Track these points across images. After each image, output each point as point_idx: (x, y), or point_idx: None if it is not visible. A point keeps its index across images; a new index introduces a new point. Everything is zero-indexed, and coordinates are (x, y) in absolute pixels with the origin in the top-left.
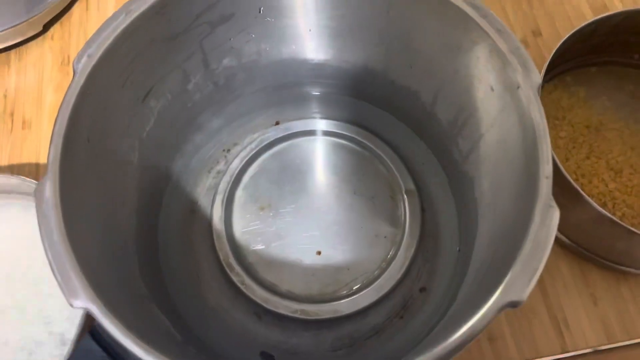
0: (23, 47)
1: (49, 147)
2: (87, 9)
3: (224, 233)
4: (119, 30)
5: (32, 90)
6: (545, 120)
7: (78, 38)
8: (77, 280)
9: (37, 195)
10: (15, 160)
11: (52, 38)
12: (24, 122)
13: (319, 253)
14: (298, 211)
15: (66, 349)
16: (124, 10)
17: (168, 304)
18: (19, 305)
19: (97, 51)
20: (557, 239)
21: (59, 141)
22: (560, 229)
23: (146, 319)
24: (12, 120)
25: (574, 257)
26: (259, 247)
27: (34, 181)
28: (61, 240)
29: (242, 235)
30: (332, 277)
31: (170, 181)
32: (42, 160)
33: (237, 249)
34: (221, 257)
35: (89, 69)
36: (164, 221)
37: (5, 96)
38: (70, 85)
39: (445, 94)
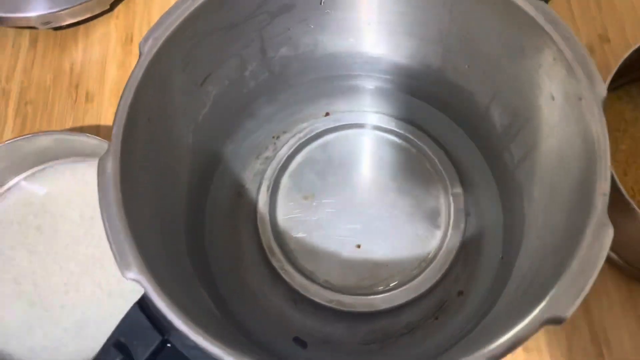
0: (90, 24)
1: (113, 123)
2: None
3: (267, 218)
4: (184, 16)
5: (96, 66)
6: (607, 136)
7: (142, 19)
8: (130, 254)
9: (100, 169)
10: (78, 127)
11: (117, 17)
12: (87, 95)
13: (358, 246)
14: (341, 203)
15: None
16: None
17: (211, 283)
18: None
19: (163, 34)
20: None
21: (122, 118)
22: (611, 246)
23: (190, 296)
24: (77, 93)
25: (623, 275)
26: (300, 235)
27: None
28: (118, 215)
29: (285, 222)
30: (369, 272)
31: (220, 164)
32: (102, 133)
33: (279, 235)
34: (263, 242)
35: (154, 51)
36: (211, 202)
37: (71, 70)
38: (136, 65)
39: (502, 97)
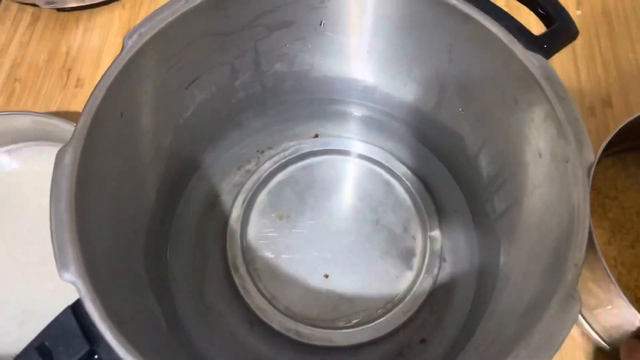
0: (95, 10)
1: (81, 113)
2: None
3: (238, 234)
4: (175, 16)
5: (93, 52)
6: (588, 205)
7: (147, 11)
8: (71, 253)
9: (57, 160)
10: (62, 112)
11: (123, 7)
12: (78, 80)
13: (326, 276)
14: (315, 229)
15: None
16: None
17: (164, 292)
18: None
19: (150, 31)
20: (579, 326)
21: (91, 110)
22: (592, 324)
23: (136, 306)
24: (68, 77)
25: (595, 349)
26: (269, 255)
27: None
28: (67, 210)
29: (255, 240)
30: (333, 305)
31: (197, 171)
32: None
33: (246, 252)
34: (229, 256)
35: (137, 46)
36: (182, 210)
37: (67, 53)
38: (116, 58)
39: (491, 146)
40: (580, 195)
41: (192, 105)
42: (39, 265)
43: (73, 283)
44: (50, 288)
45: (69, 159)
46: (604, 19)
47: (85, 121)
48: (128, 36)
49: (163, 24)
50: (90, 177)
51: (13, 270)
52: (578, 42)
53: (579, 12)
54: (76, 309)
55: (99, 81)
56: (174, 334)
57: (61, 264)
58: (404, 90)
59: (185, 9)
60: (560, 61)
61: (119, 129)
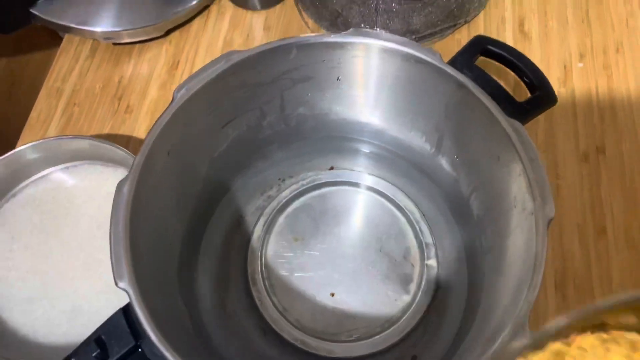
0: (145, 45)
1: (138, 153)
2: (205, 25)
3: (258, 251)
4: (216, 74)
5: (142, 82)
6: (544, 253)
7: (190, 48)
8: (125, 267)
9: (117, 189)
10: (112, 134)
11: (169, 42)
12: (127, 107)
13: (332, 294)
14: (326, 251)
15: None
16: (225, 57)
17: (192, 299)
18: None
19: (195, 86)
20: None
21: (145, 151)
22: None
23: (170, 311)
24: (119, 104)
25: None
26: (283, 272)
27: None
28: (123, 231)
29: (272, 258)
30: (337, 320)
31: (226, 194)
32: (131, 144)
33: (264, 269)
34: (249, 271)
35: (184, 99)
36: (211, 228)
37: (119, 82)
38: (166, 108)
39: (480, 192)
40: (540, 244)
41: (226, 141)
42: (87, 268)
43: (125, 290)
44: (96, 289)
45: (126, 189)
46: (604, 72)
47: (140, 159)
48: (177, 90)
49: (206, 81)
50: (140, 203)
51: (67, 271)
52: (578, 90)
53: (580, 65)
54: (126, 311)
55: (153, 126)
56: (199, 335)
57: (117, 274)
58: (409, 135)
59: (224, 68)
60: (561, 106)
61: (165, 164)
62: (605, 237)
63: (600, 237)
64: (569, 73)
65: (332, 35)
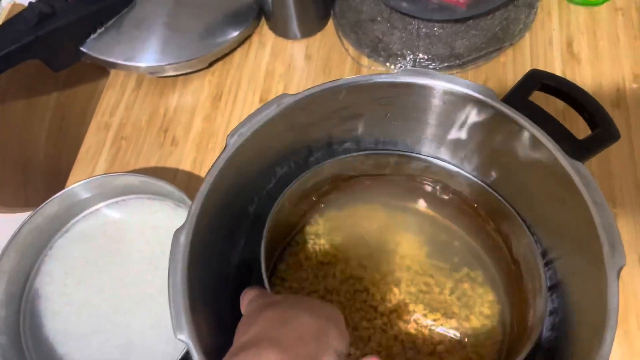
0: (189, 76)
1: (193, 200)
2: (246, 55)
3: None
4: (268, 118)
5: (186, 114)
6: (617, 306)
7: (233, 79)
8: (185, 319)
9: (174, 239)
10: (159, 167)
11: (212, 74)
12: (173, 140)
13: None
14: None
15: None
16: (276, 102)
17: None
18: (155, 290)
19: (248, 131)
20: None
21: (200, 198)
22: None
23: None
24: (165, 136)
25: None
26: None
27: (182, 191)
28: (181, 282)
29: None
30: None
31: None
32: (178, 177)
33: None
34: None
35: (237, 145)
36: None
37: (164, 114)
38: (220, 154)
39: (543, 230)
40: (611, 296)
41: (274, 179)
42: (139, 303)
43: (186, 343)
44: (147, 324)
45: (183, 238)
46: None
47: (196, 207)
48: (230, 135)
49: (258, 125)
50: (196, 249)
51: (119, 306)
52: (633, 113)
53: (635, 86)
54: None
55: (208, 173)
56: None
57: (177, 327)
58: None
59: (276, 111)
60: (616, 149)
61: (218, 207)
62: None
63: None
64: (622, 95)
65: (382, 76)
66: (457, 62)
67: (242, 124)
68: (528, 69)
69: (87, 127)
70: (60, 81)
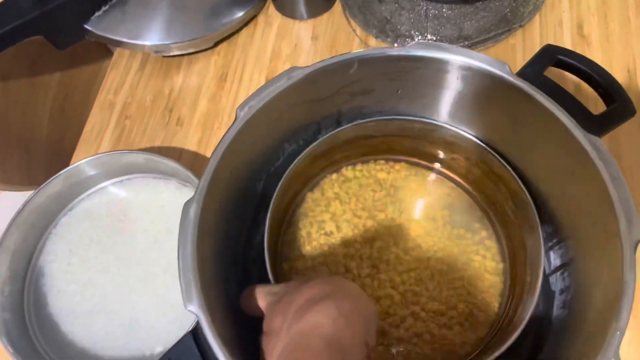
0: (193, 56)
1: (202, 174)
2: (252, 35)
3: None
4: (278, 91)
5: (191, 94)
6: (634, 280)
7: (239, 59)
8: (194, 290)
9: (184, 211)
10: (164, 147)
11: (218, 54)
12: (178, 119)
13: None
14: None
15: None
16: (286, 74)
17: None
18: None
19: (258, 104)
20: None
21: (210, 173)
22: None
23: (233, 332)
24: (170, 116)
25: None
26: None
27: (188, 169)
28: (191, 254)
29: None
30: None
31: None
32: (184, 157)
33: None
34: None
35: (247, 117)
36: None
37: (169, 94)
38: (230, 128)
39: (551, 205)
40: (627, 269)
41: (282, 156)
42: (144, 282)
43: (196, 314)
44: (152, 303)
45: (193, 211)
46: None
47: (205, 180)
48: (240, 108)
49: (269, 98)
50: (206, 223)
51: (124, 285)
52: None
53: None
54: (195, 333)
55: (217, 146)
56: None
57: (187, 298)
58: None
59: (286, 85)
60: (625, 129)
61: (227, 182)
62: None
63: None
64: (633, 78)
65: (395, 49)
66: (466, 43)
67: (252, 97)
68: (536, 49)
69: (90, 108)
70: (64, 61)
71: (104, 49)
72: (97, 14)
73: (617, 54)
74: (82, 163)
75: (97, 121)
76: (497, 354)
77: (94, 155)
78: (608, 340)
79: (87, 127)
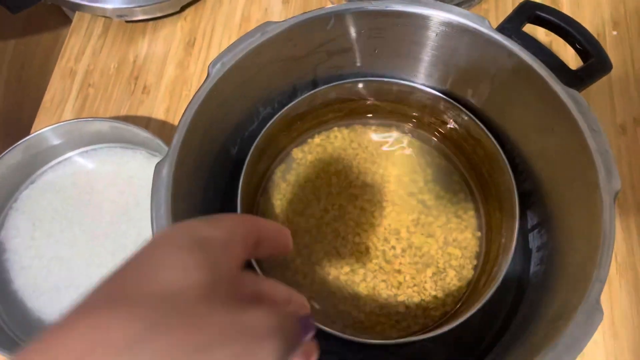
0: (159, 22)
1: (174, 132)
2: (220, 0)
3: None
4: (252, 47)
5: (157, 61)
6: (614, 230)
7: (207, 24)
8: None
9: (156, 172)
10: (131, 116)
11: (185, 19)
12: (144, 87)
13: None
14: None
15: None
16: (260, 29)
17: None
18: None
19: (231, 60)
20: None
21: (182, 131)
22: None
23: None
24: (135, 84)
25: (616, 350)
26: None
27: (159, 139)
28: (165, 216)
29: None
30: None
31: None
32: (151, 125)
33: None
34: None
35: (220, 74)
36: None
37: (134, 61)
38: (202, 84)
39: (532, 164)
40: (607, 220)
41: (257, 120)
42: (113, 255)
43: None
44: None
45: (165, 171)
46: (638, 40)
47: (177, 138)
48: (212, 64)
49: (242, 54)
50: (179, 185)
51: (92, 258)
52: (613, 61)
53: (615, 33)
54: None
55: (190, 103)
56: None
57: None
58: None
59: (260, 41)
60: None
61: (200, 143)
62: None
63: None
64: (602, 42)
65: (373, 4)
66: None
67: (225, 53)
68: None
69: (50, 76)
70: (19, 27)
71: (63, 15)
72: None
73: (587, 18)
74: (44, 131)
75: (57, 90)
76: (472, 311)
77: (56, 123)
78: (589, 290)
79: (47, 96)
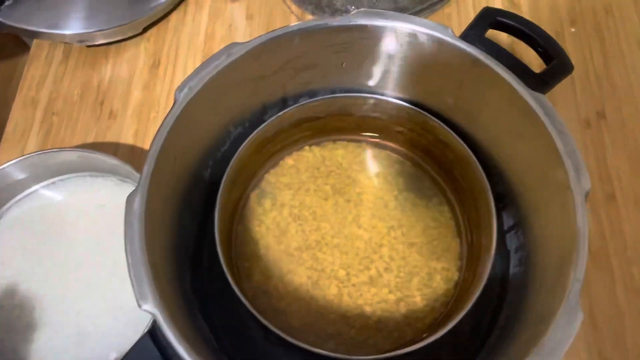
0: (122, 44)
1: (144, 162)
2: (183, 18)
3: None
4: (218, 69)
5: (123, 85)
6: (587, 228)
7: (170, 44)
8: (148, 287)
9: (127, 204)
10: (98, 143)
11: (148, 40)
12: (110, 112)
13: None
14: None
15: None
16: (225, 51)
17: (208, 313)
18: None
19: (198, 84)
20: None
21: (152, 161)
22: None
23: (193, 326)
24: (101, 109)
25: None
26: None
27: (129, 165)
28: (140, 248)
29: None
30: None
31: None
32: (120, 151)
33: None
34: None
35: (188, 99)
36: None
37: (98, 86)
38: (169, 111)
39: (504, 168)
40: (580, 219)
41: (229, 140)
42: (89, 287)
43: (152, 313)
44: (100, 308)
45: (137, 203)
46: (596, 35)
47: (148, 168)
48: (179, 90)
49: (209, 77)
50: (153, 215)
51: (67, 293)
52: (573, 58)
53: (573, 30)
54: (153, 333)
55: (158, 131)
56: (223, 350)
57: (140, 297)
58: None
59: (227, 62)
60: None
61: (172, 170)
62: (615, 202)
63: (610, 203)
64: (561, 40)
65: (337, 20)
66: None
67: (191, 77)
68: (471, 18)
69: (10, 107)
70: None
71: (21, 42)
72: (7, 2)
73: (545, 17)
74: (7, 166)
75: (19, 120)
76: (464, 312)
77: (20, 157)
78: (568, 290)
79: (9, 128)
